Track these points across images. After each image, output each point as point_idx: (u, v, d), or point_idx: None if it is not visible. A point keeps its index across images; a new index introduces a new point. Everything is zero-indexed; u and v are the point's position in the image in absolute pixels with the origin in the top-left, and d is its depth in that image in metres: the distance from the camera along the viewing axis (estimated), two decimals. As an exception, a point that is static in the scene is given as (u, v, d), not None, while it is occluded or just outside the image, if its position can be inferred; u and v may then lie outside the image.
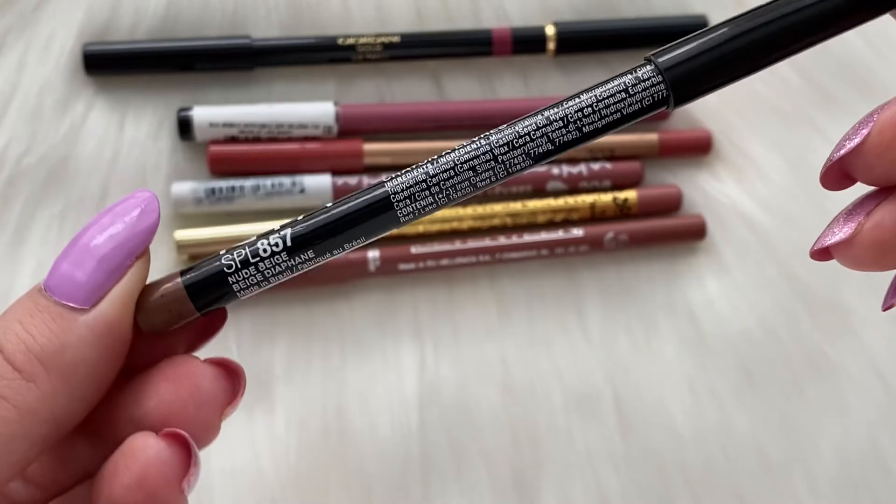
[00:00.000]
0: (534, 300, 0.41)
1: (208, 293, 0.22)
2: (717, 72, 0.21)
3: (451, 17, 0.41)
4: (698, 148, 0.42)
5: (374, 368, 0.39)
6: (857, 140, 0.21)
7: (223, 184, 0.39)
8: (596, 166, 0.41)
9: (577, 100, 0.21)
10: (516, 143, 0.21)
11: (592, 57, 0.42)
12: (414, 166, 0.21)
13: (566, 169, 0.41)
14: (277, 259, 0.21)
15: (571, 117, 0.21)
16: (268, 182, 0.39)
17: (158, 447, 0.20)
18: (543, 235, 0.40)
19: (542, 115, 0.21)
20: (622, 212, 0.41)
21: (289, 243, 0.21)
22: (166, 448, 0.20)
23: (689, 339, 0.41)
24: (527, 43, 0.41)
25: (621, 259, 0.42)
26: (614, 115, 0.21)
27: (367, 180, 0.40)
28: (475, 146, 0.21)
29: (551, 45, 0.41)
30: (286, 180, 0.39)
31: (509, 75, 0.42)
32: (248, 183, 0.39)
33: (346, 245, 0.21)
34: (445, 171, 0.21)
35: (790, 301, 0.41)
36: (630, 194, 0.41)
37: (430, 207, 0.21)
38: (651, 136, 0.42)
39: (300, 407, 0.38)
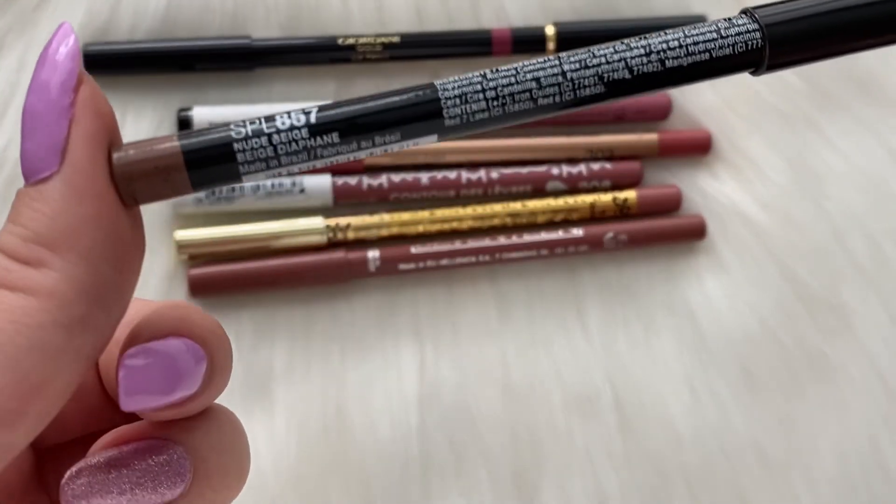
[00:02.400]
0: (534, 300, 0.41)
1: (208, 162, 0.18)
2: (823, 38, 0.19)
3: (451, 18, 0.41)
4: (698, 148, 0.42)
5: (374, 368, 0.39)
6: None
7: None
8: (596, 166, 0.42)
9: (663, 34, 0.19)
10: (590, 62, 0.18)
11: (592, 57, 0.42)
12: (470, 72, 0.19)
13: (566, 169, 0.41)
14: (295, 134, 0.18)
15: (655, 47, 0.19)
16: (268, 182, 0.39)
17: None
18: (543, 235, 0.40)
19: (623, 41, 0.19)
20: (622, 212, 0.41)
21: (312, 120, 0.18)
22: None
23: (688, 338, 0.41)
24: (526, 43, 0.41)
25: (621, 259, 0.42)
26: (702, 55, 0.19)
27: (367, 180, 0.40)
28: (542, 59, 0.19)
29: (551, 46, 0.41)
30: (286, 180, 0.39)
31: (509, 75, 0.42)
32: (248, 183, 0.39)
33: (377, 139, 0.18)
34: (506, 77, 0.18)
35: (790, 301, 0.41)
36: (630, 194, 0.41)
37: (482, 115, 0.18)
38: (651, 137, 0.42)
39: (300, 407, 0.39)
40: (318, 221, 0.39)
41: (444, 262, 0.40)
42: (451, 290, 0.40)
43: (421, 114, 0.18)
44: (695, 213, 0.42)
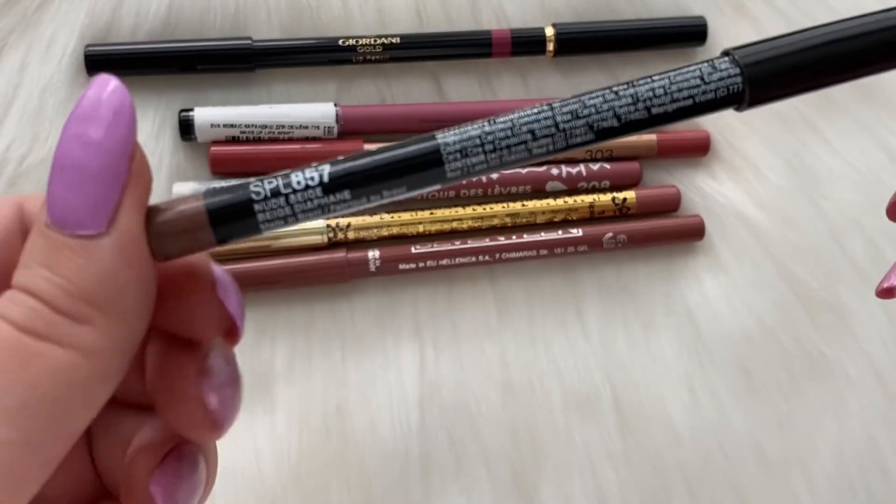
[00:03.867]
0: (533, 300, 0.41)
1: (231, 220, 0.19)
2: (800, 76, 0.20)
3: (451, 19, 0.41)
4: (696, 148, 0.42)
5: (374, 367, 0.39)
6: None
7: (224, 184, 0.39)
8: (595, 167, 0.42)
9: (650, 80, 0.20)
10: (581, 112, 0.20)
11: (591, 58, 0.42)
12: (469, 123, 0.20)
13: (565, 169, 0.41)
14: (311, 194, 0.19)
15: (642, 96, 0.20)
16: (269, 182, 0.39)
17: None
18: (543, 235, 0.40)
19: (612, 89, 0.20)
20: (621, 212, 0.42)
21: (325, 179, 0.19)
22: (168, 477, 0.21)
23: (687, 338, 0.41)
24: (526, 44, 0.41)
25: (620, 259, 0.42)
26: (686, 102, 0.20)
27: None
28: (536, 110, 0.20)
29: (550, 47, 0.41)
30: (287, 181, 0.39)
31: (509, 76, 0.42)
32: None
33: (385, 192, 0.20)
34: (503, 130, 0.20)
35: (788, 301, 0.41)
36: (629, 194, 0.42)
37: (481, 167, 0.20)
38: (650, 137, 0.42)
39: (301, 406, 0.39)
40: (318, 221, 0.40)
41: (444, 261, 0.40)
42: (451, 290, 0.41)
43: (425, 168, 0.19)
44: (693, 213, 0.42)
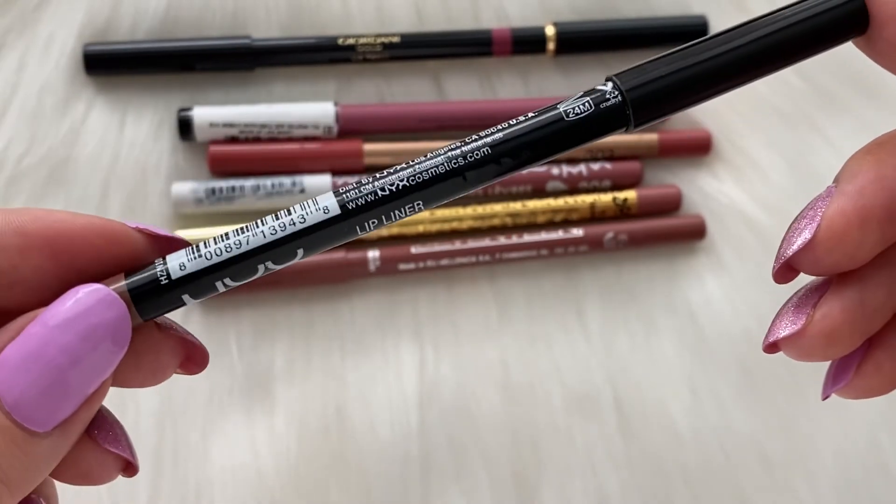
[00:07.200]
0: (534, 300, 0.41)
1: (154, 298, 0.19)
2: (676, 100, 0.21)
3: (451, 18, 0.41)
4: (698, 148, 0.42)
5: (374, 368, 0.39)
6: (806, 237, 0.20)
7: (223, 184, 0.39)
8: (596, 166, 0.41)
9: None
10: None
11: (592, 57, 0.42)
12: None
13: (566, 169, 0.41)
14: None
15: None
16: (268, 182, 0.39)
17: None
18: (543, 235, 0.40)
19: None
20: (622, 212, 0.41)
21: (229, 286, 0.20)
22: None
23: (688, 338, 0.41)
24: (527, 43, 0.41)
25: (621, 259, 0.42)
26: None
27: (366, 180, 0.40)
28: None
29: (551, 46, 0.41)
30: (286, 180, 0.39)
31: (509, 75, 0.42)
32: (249, 183, 0.39)
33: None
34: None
35: (790, 301, 0.41)
36: (630, 194, 0.41)
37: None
38: (651, 136, 0.42)
39: (300, 407, 0.38)
40: (318, 221, 0.39)
41: (444, 262, 0.40)
42: (451, 290, 0.40)
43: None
44: (695, 213, 0.42)
